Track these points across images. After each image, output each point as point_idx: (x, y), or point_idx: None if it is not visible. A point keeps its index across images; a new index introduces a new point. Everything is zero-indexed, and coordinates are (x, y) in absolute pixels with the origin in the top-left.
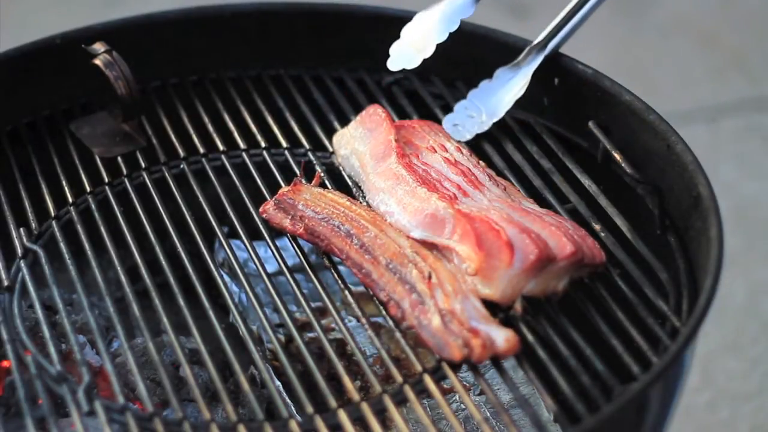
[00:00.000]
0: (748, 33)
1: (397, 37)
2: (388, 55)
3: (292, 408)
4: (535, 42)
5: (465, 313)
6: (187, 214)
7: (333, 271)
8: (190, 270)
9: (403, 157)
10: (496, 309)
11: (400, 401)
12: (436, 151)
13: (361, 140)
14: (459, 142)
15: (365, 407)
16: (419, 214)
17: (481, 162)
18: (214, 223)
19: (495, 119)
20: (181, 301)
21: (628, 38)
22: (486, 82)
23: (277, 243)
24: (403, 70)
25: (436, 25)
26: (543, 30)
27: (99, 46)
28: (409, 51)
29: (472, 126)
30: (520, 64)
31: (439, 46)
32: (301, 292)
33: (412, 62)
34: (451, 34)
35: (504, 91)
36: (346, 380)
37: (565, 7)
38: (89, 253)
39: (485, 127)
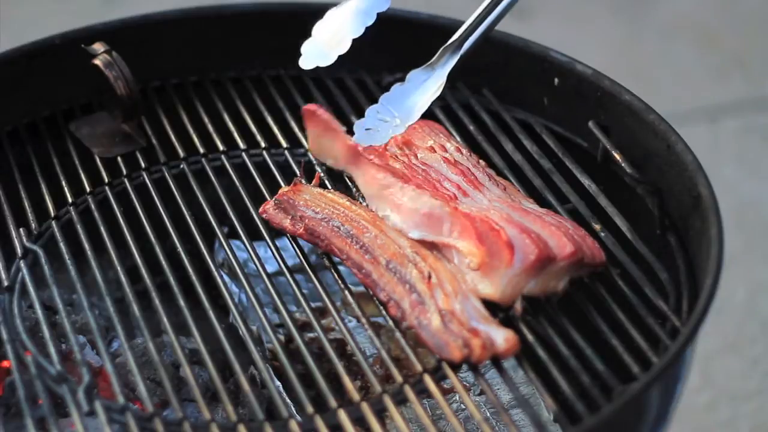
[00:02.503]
0: (748, 33)
1: (397, 37)
2: (389, 56)
3: (292, 408)
4: (449, 42)
5: (465, 313)
6: (187, 214)
7: (333, 271)
8: (190, 270)
9: (379, 158)
10: (496, 309)
11: (400, 401)
12: (435, 151)
13: (329, 148)
14: (459, 142)
15: (365, 407)
16: (415, 215)
17: (481, 162)
18: (214, 223)
19: (409, 123)
20: (181, 302)
21: (629, 38)
22: (399, 85)
23: (277, 243)
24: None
25: (350, 19)
26: (543, 30)
27: (99, 46)
28: (321, 48)
29: (385, 130)
30: (434, 65)
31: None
32: (301, 292)
33: (326, 59)
34: (450, 34)
35: (418, 94)
36: (346, 380)
37: (478, 7)
38: (89, 253)
39: (400, 130)
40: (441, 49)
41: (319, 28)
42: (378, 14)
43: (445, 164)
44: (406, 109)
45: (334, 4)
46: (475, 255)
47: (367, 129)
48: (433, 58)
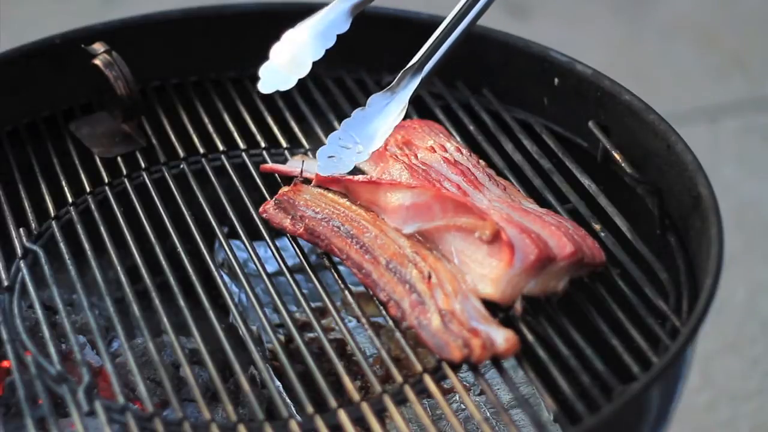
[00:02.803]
0: (748, 33)
1: (398, 37)
2: (389, 56)
3: (292, 408)
4: (409, 65)
5: (465, 313)
6: (187, 214)
7: (333, 271)
8: (190, 270)
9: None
10: (496, 309)
11: (400, 401)
12: (435, 151)
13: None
14: (459, 142)
15: (365, 407)
16: (401, 211)
17: (481, 162)
18: (214, 223)
19: (372, 149)
20: (181, 302)
21: (628, 38)
22: (360, 110)
23: (277, 243)
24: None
25: (309, 42)
26: (543, 30)
27: (98, 46)
28: (280, 72)
29: (349, 157)
30: (394, 88)
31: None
32: (301, 292)
33: (287, 83)
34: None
35: (380, 119)
36: (346, 380)
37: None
38: (89, 253)
39: (363, 157)
40: (401, 72)
41: (277, 51)
42: (337, 35)
43: (445, 164)
44: (368, 135)
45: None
46: (485, 226)
47: (329, 157)
48: (393, 82)
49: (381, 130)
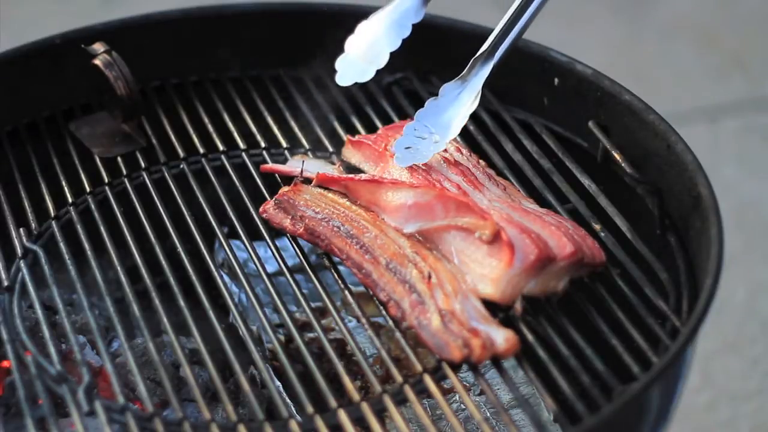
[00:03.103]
0: (748, 33)
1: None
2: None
3: (292, 408)
4: (480, 52)
5: (465, 313)
6: (187, 214)
7: (333, 271)
8: (190, 270)
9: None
10: (496, 309)
11: (400, 401)
12: None
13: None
14: (459, 142)
15: (365, 407)
16: (403, 210)
17: (481, 162)
18: (214, 223)
19: (448, 138)
20: (181, 302)
21: (629, 38)
22: (432, 100)
23: (277, 243)
24: (404, 70)
25: (385, 32)
26: (543, 30)
27: (98, 46)
28: (358, 63)
29: (426, 148)
30: (466, 77)
31: (438, 46)
32: (301, 292)
33: (365, 75)
34: (450, 34)
35: (454, 108)
36: (346, 380)
37: (506, 14)
38: (89, 253)
39: (441, 147)
40: (472, 60)
41: (352, 43)
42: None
43: (445, 164)
44: (443, 124)
45: (334, 5)
46: (485, 226)
47: (406, 148)
48: (465, 70)
49: (456, 119)
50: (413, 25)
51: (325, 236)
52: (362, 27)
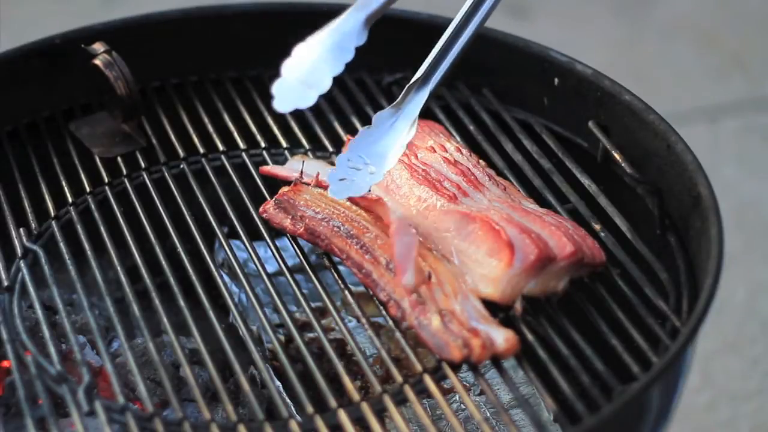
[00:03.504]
0: (748, 33)
1: (397, 37)
2: (389, 56)
3: (292, 408)
4: (414, 79)
5: (465, 313)
6: (187, 214)
7: (333, 271)
8: (190, 270)
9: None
10: (496, 309)
11: (400, 401)
12: (435, 151)
13: None
14: (459, 142)
15: (365, 407)
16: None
17: (481, 162)
18: (214, 223)
19: (385, 169)
20: (181, 302)
21: (628, 38)
22: (366, 129)
23: (277, 243)
24: (404, 70)
25: (326, 56)
26: (543, 30)
27: (99, 46)
28: (298, 88)
29: (362, 179)
30: (400, 105)
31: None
32: (301, 292)
33: (306, 101)
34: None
35: (389, 138)
36: (346, 380)
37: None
38: (89, 253)
39: (378, 179)
40: (406, 87)
41: (290, 67)
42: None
43: (445, 164)
44: (378, 154)
45: (334, 5)
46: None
47: (341, 180)
48: (399, 98)
49: (392, 150)
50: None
51: (326, 236)
52: (300, 50)
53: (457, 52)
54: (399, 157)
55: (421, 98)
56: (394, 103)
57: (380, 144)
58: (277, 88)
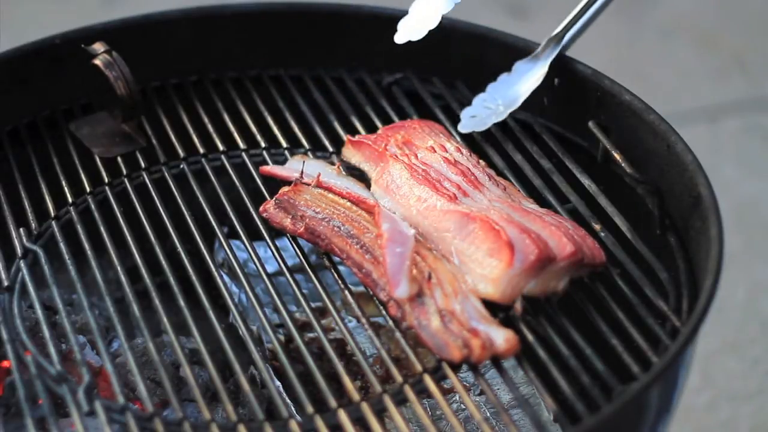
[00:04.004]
0: (748, 33)
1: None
2: (389, 56)
3: (292, 408)
4: (554, 34)
5: (465, 313)
6: (187, 214)
7: (333, 271)
8: (190, 270)
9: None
10: (496, 309)
11: (400, 401)
12: (435, 151)
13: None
14: (459, 142)
15: (365, 407)
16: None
17: (480, 162)
18: (214, 223)
19: (511, 109)
20: (181, 302)
21: (628, 38)
22: (505, 75)
23: (277, 243)
24: (404, 70)
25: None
26: (543, 30)
27: (98, 46)
28: (414, 25)
29: (488, 116)
30: (539, 55)
31: (438, 46)
32: (301, 292)
33: (418, 34)
34: (451, 34)
35: (523, 83)
36: (346, 380)
37: (575, 6)
38: (89, 253)
39: (502, 117)
40: (545, 40)
41: (415, 6)
42: None
43: (445, 164)
44: (510, 96)
45: (334, 5)
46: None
47: (472, 116)
48: (538, 49)
49: (521, 92)
50: None
51: (326, 236)
52: None
53: (591, 14)
54: (524, 98)
55: (555, 52)
56: (534, 53)
57: (515, 87)
58: (401, 24)
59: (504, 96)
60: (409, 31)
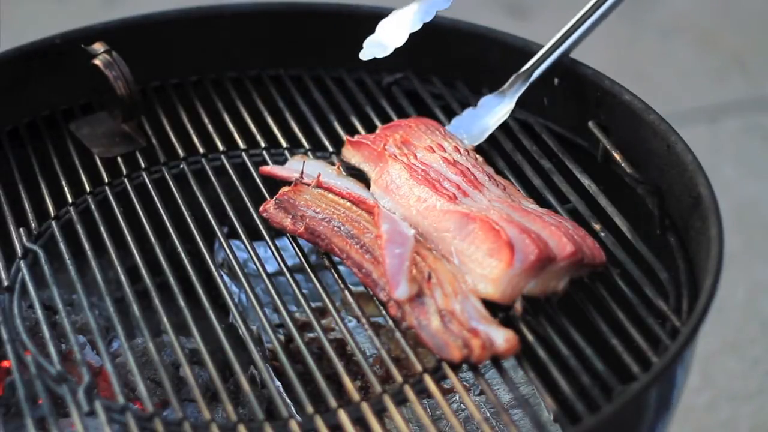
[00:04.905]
0: (748, 33)
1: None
2: (389, 56)
3: (292, 408)
4: (521, 71)
5: (465, 313)
6: (187, 214)
7: (333, 271)
8: (190, 270)
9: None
10: (496, 309)
11: (400, 401)
12: (434, 151)
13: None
14: (457, 140)
15: (365, 407)
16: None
17: (479, 158)
18: (214, 223)
19: (476, 143)
20: (181, 302)
21: (628, 38)
22: (471, 109)
23: (277, 243)
24: (404, 70)
25: (411, 17)
26: (543, 30)
27: (98, 46)
28: (380, 41)
29: None
30: (505, 92)
31: (439, 46)
32: (301, 292)
33: (384, 51)
34: (451, 34)
35: (488, 117)
36: (346, 380)
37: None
38: (89, 253)
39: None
40: (513, 76)
41: (383, 25)
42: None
43: (444, 164)
44: (476, 131)
45: (333, 5)
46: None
47: None
48: (505, 85)
49: (488, 127)
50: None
51: (326, 236)
52: (396, 12)
53: (561, 53)
54: (488, 134)
55: (522, 88)
56: (501, 89)
57: (481, 123)
58: (367, 41)
59: (469, 130)
60: (375, 48)
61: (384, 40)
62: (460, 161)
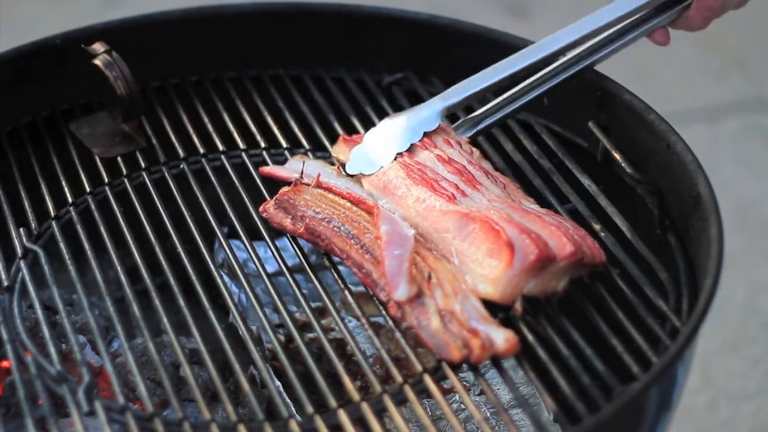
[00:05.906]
0: (748, 33)
1: (398, 37)
2: (389, 56)
3: (292, 408)
4: (470, 116)
5: (464, 313)
6: (187, 214)
7: (333, 271)
8: (190, 270)
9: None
10: (496, 309)
11: (400, 401)
12: (426, 148)
13: None
14: (449, 134)
15: (365, 407)
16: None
17: (475, 152)
18: (214, 223)
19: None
20: (181, 302)
21: None
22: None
23: (277, 243)
24: (404, 70)
25: (400, 134)
26: (543, 30)
27: (99, 46)
28: (368, 157)
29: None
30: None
31: (438, 46)
32: (301, 292)
33: (371, 169)
34: (451, 34)
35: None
36: (346, 380)
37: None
38: (89, 253)
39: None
40: (462, 119)
41: (371, 137)
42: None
43: (439, 163)
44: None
45: (333, 5)
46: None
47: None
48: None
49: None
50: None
51: (326, 236)
52: (384, 123)
53: (507, 113)
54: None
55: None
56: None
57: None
58: (354, 152)
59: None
60: (363, 164)
61: (372, 157)
62: (455, 158)
